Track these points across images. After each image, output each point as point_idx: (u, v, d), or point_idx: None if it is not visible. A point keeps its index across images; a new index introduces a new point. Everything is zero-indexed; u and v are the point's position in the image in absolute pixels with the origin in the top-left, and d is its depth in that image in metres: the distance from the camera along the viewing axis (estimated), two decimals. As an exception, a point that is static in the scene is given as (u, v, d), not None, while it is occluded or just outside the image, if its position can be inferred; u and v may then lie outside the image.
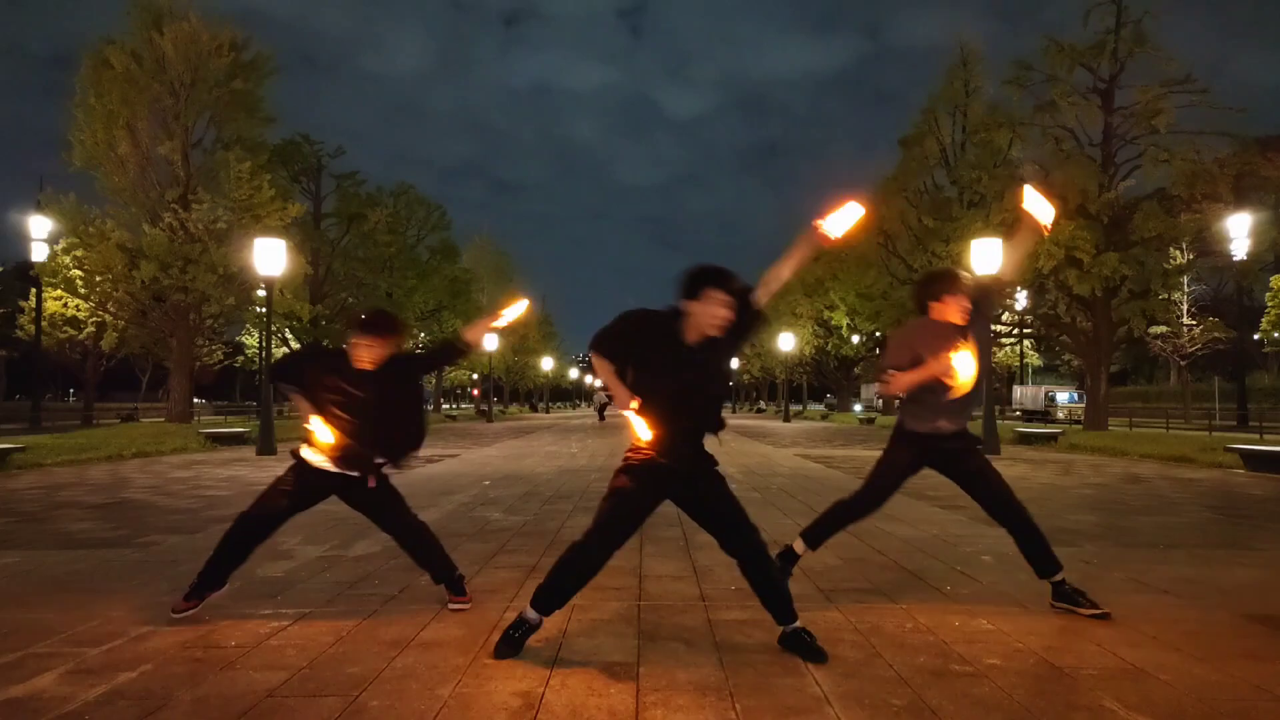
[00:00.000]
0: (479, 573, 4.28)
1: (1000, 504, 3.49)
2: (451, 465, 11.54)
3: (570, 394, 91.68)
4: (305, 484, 3.43)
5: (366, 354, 3.42)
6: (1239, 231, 19.07)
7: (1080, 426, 20.82)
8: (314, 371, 3.46)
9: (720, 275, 2.82)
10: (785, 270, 3.03)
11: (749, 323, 2.91)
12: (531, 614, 2.94)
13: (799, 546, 3.77)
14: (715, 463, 2.96)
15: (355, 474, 3.42)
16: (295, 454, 3.48)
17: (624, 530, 2.93)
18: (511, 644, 2.90)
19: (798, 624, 2.93)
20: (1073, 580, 3.52)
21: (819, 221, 2.93)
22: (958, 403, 3.44)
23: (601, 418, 33.40)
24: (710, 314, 2.79)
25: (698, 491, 2.95)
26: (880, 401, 42.78)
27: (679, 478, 2.90)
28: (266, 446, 13.20)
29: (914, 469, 3.62)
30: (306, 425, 3.41)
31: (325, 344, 27.90)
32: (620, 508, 2.90)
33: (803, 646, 2.88)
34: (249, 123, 22.06)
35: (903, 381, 3.39)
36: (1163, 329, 31.48)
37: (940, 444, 3.50)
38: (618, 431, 22.98)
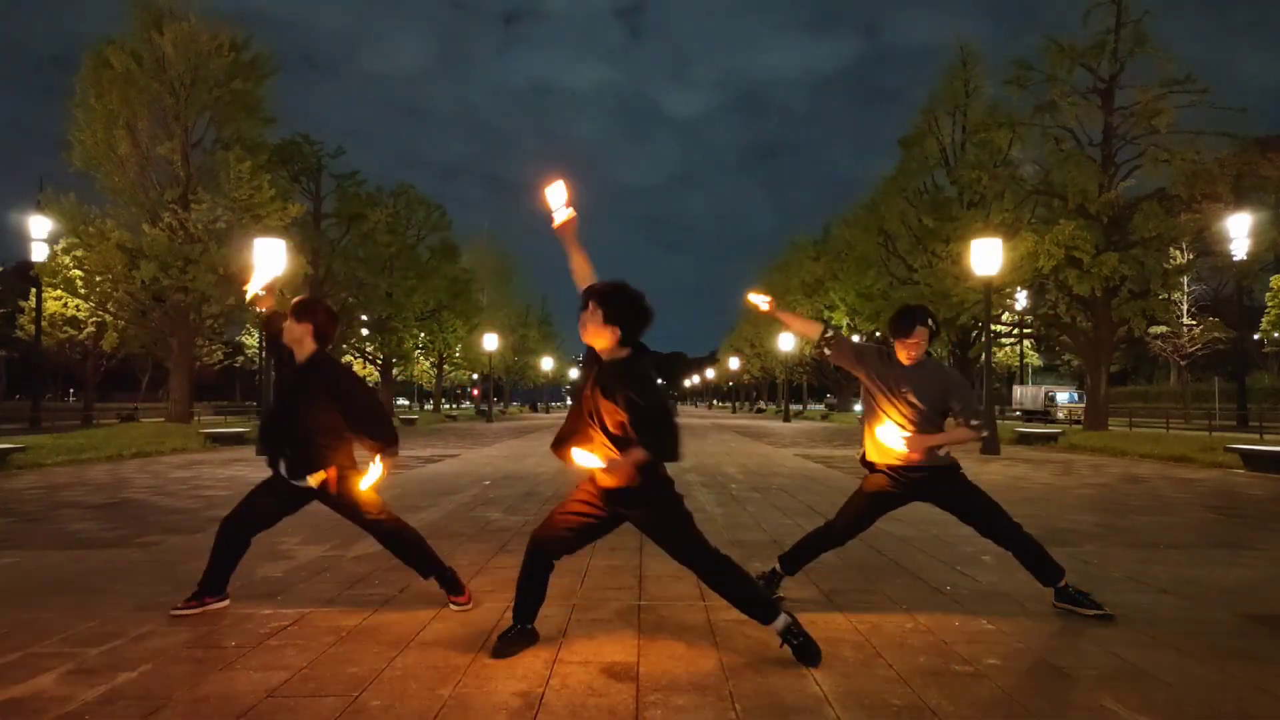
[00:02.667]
0: (479, 573, 4.28)
1: (989, 524, 3.48)
2: (451, 465, 11.54)
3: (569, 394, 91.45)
4: (278, 490, 3.43)
5: (287, 336, 3.35)
6: (1239, 231, 19.06)
7: (1080, 426, 20.81)
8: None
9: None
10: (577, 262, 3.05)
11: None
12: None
13: (779, 569, 3.74)
14: (649, 490, 2.82)
15: (299, 482, 3.34)
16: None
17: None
18: (510, 644, 2.91)
19: (778, 624, 2.83)
20: (1073, 580, 3.52)
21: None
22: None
23: None
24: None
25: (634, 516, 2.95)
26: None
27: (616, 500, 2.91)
28: (266, 446, 13.18)
29: (890, 498, 3.54)
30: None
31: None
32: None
33: (795, 647, 2.81)
34: (249, 123, 22.02)
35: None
36: (1163, 329, 31.47)
37: (901, 472, 3.44)
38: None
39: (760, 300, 3.77)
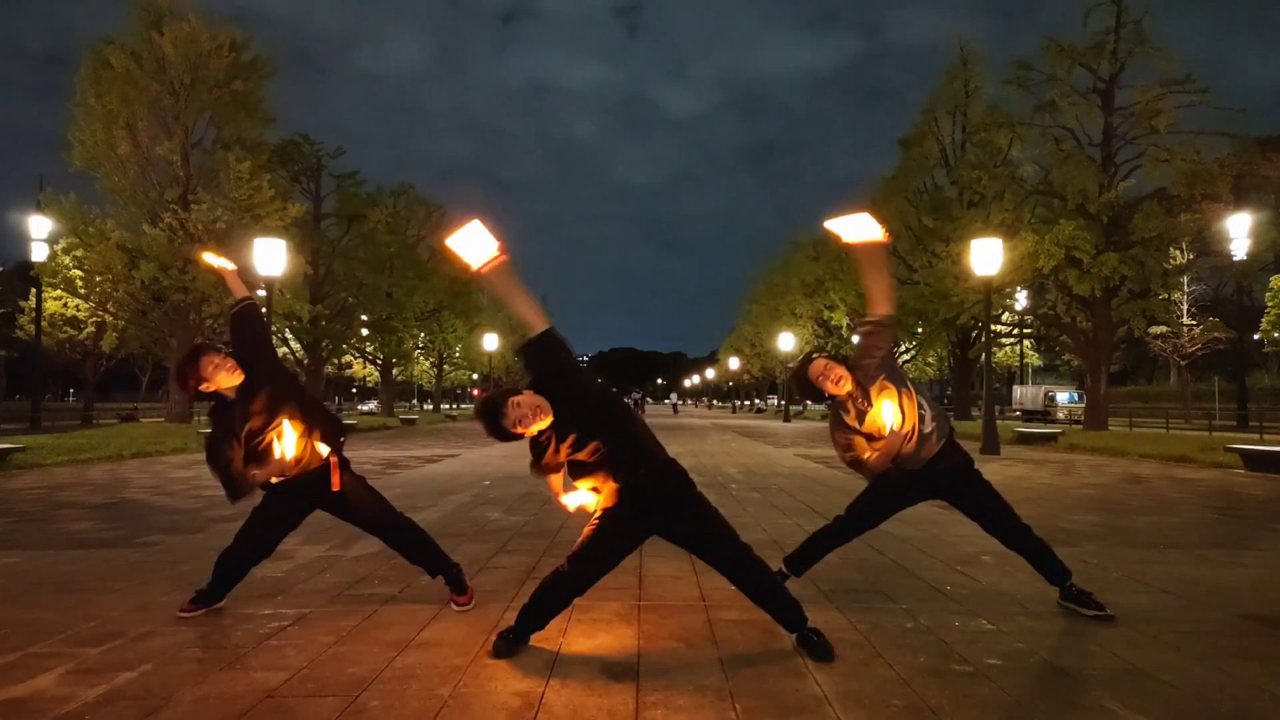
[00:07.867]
0: (479, 573, 4.28)
1: (1002, 526, 3.48)
2: (451, 465, 11.53)
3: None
4: (280, 504, 3.47)
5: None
6: (1239, 231, 19.07)
7: (1080, 426, 20.82)
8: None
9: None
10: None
11: None
12: None
13: (785, 571, 3.73)
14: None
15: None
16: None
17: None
18: (510, 645, 2.92)
19: (807, 626, 2.95)
20: (1074, 580, 3.52)
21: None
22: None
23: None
24: None
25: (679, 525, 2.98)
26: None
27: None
28: (266, 446, 13.17)
29: (904, 497, 3.55)
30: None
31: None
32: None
33: (811, 646, 2.89)
34: (249, 123, 22.03)
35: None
36: (1163, 329, 31.46)
37: (921, 470, 3.40)
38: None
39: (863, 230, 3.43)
